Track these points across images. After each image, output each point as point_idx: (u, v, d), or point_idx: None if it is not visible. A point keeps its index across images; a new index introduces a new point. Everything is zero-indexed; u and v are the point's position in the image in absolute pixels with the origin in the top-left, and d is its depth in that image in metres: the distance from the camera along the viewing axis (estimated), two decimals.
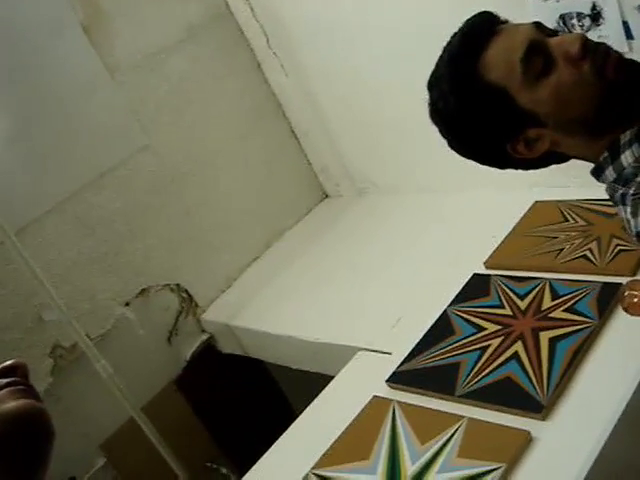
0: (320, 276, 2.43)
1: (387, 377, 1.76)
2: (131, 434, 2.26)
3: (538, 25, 1.24)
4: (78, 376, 2.26)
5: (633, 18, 1.68)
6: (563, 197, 2.04)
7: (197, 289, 2.57)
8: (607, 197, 1.85)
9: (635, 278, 1.64)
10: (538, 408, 1.46)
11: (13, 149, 2.18)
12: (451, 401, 1.60)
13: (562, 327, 1.62)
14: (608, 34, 1.72)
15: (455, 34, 1.25)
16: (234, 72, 2.67)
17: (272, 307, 2.40)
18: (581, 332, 1.58)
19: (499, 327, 1.72)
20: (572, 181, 2.06)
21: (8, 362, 0.79)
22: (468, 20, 1.26)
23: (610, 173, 1.21)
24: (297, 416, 1.89)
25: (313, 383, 1.99)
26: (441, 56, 1.27)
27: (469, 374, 1.63)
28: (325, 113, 2.68)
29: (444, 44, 1.26)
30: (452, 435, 1.50)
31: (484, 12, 1.27)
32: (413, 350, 1.79)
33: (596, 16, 1.73)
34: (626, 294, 1.39)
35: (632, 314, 1.39)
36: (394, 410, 1.65)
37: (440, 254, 2.15)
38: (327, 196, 2.92)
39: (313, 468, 1.62)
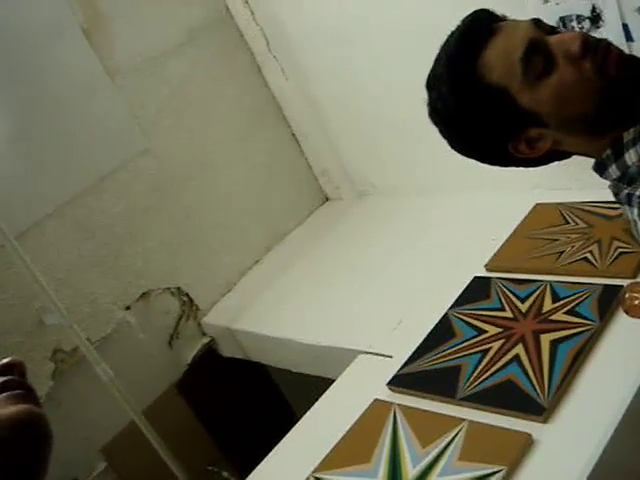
0: (321, 279, 2.43)
1: (388, 380, 1.75)
2: (132, 438, 2.25)
3: (537, 22, 1.23)
4: (79, 380, 2.26)
5: (633, 20, 1.68)
6: (564, 199, 2.04)
7: (198, 292, 2.57)
8: (608, 200, 1.85)
9: (636, 280, 1.64)
10: (539, 411, 1.45)
11: (13, 152, 2.18)
12: (452, 404, 1.59)
13: (563, 329, 1.62)
14: (608, 36, 1.71)
15: (452, 33, 1.24)
16: (234, 75, 2.68)
17: (273, 310, 2.40)
18: (582, 334, 1.58)
19: (500, 330, 1.72)
20: (573, 183, 2.06)
21: (4, 360, 0.78)
22: (465, 18, 1.25)
23: (614, 171, 1.21)
24: (298, 419, 1.89)
25: (314, 386, 1.99)
26: (439, 56, 1.26)
27: (470, 377, 1.63)
28: (325, 116, 2.68)
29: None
30: (453, 438, 1.50)
31: (481, 10, 1.26)
32: (414, 353, 1.79)
33: (596, 18, 1.73)
34: (627, 296, 1.39)
35: (633, 316, 1.39)
36: (395, 413, 1.65)
37: (440, 256, 2.15)
38: (327, 199, 2.92)
39: (314, 471, 1.61)
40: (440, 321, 1.85)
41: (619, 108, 1.18)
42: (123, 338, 2.39)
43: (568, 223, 1.96)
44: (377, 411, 1.69)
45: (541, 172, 2.01)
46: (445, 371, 1.69)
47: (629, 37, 1.70)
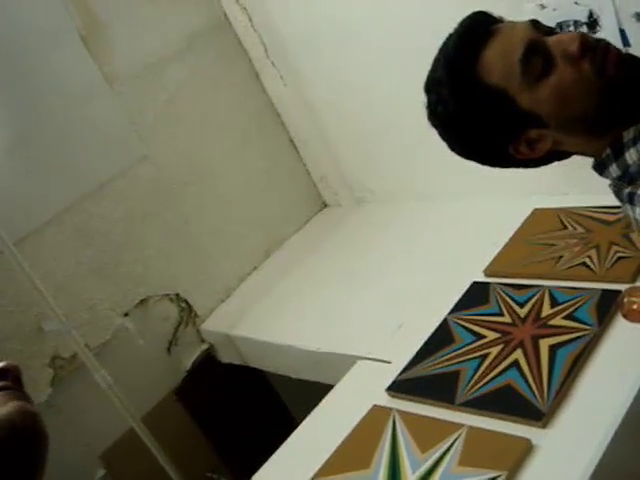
0: (320, 285, 2.43)
1: (387, 386, 1.75)
2: (131, 444, 2.25)
3: (535, 23, 1.23)
4: (78, 386, 2.26)
5: (630, 26, 1.69)
6: (562, 204, 2.05)
7: (196, 299, 2.57)
8: (606, 205, 1.86)
9: (634, 285, 1.64)
10: (538, 416, 1.45)
11: (12, 159, 2.18)
12: (451, 409, 1.59)
13: (562, 334, 1.62)
14: None
15: (451, 35, 1.24)
16: (232, 82, 2.68)
17: (272, 317, 2.40)
18: (581, 339, 1.58)
19: (499, 335, 1.72)
20: (571, 188, 2.07)
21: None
22: (463, 21, 1.25)
23: (614, 170, 1.21)
24: (297, 425, 1.89)
25: (313, 392, 1.99)
26: (437, 58, 1.26)
27: (469, 382, 1.63)
28: (323, 122, 2.69)
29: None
30: (452, 443, 1.50)
31: (479, 12, 1.27)
32: (413, 359, 1.79)
33: (593, 24, 1.73)
34: (625, 301, 1.39)
35: (632, 321, 1.39)
36: (394, 419, 1.64)
37: (439, 262, 2.15)
38: (326, 205, 2.92)
39: (313, 477, 1.61)
40: (439, 326, 1.85)
41: (618, 108, 1.18)
42: (122, 344, 2.39)
43: (566, 228, 1.96)
44: (376, 417, 1.69)
45: (539, 177, 2.02)
46: (444, 376, 1.68)
47: (626, 42, 1.71)
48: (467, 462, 1.44)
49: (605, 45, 1.18)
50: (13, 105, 2.20)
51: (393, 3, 2.16)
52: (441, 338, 1.81)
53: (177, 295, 2.53)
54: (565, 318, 1.66)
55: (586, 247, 1.85)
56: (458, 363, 1.70)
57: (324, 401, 1.91)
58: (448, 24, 1.26)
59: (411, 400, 1.69)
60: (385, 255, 2.38)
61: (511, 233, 2.05)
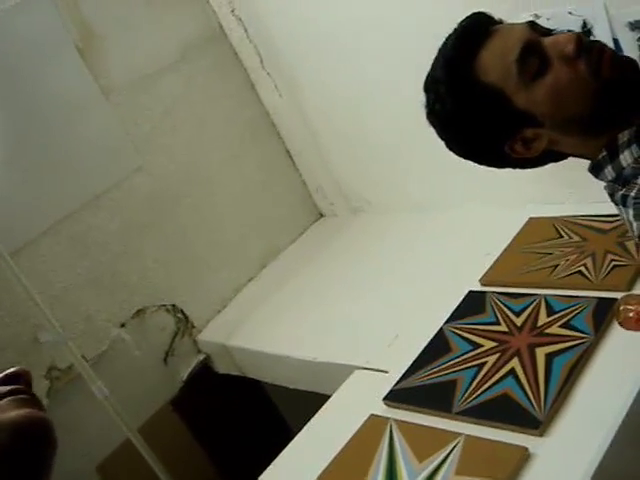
0: (316, 295, 2.43)
1: (384, 395, 1.75)
2: (127, 455, 2.24)
3: (533, 24, 1.25)
4: (74, 398, 2.25)
5: (623, 35, 1.70)
6: (558, 213, 2.05)
7: (193, 309, 2.57)
8: (601, 213, 1.87)
9: (630, 293, 1.65)
10: (535, 424, 1.45)
11: (8, 170, 2.19)
12: (448, 418, 1.59)
13: (558, 343, 1.62)
14: None
15: (450, 36, 1.26)
16: (228, 92, 2.68)
17: (268, 327, 2.40)
18: (577, 347, 1.58)
19: (495, 344, 1.72)
20: (566, 197, 2.07)
21: (11, 369, 0.78)
22: (462, 21, 1.27)
23: (609, 172, 1.22)
24: (294, 436, 1.89)
25: (310, 402, 1.99)
26: (436, 58, 1.28)
27: (466, 391, 1.63)
28: (319, 133, 2.69)
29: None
30: (450, 452, 1.50)
31: (478, 13, 1.28)
32: (410, 368, 1.79)
33: (587, 33, 1.74)
34: (621, 309, 1.40)
35: (628, 329, 1.39)
36: (391, 428, 1.64)
37: (435, 271, 2.15)
38: (322, 215, 2.93)
39: None
40: (435, 336, 1.85)
41: (614, 109, 1.19)
42: (118, 355, 2.38)
43: (562, 237, 1.97)
44: (373, 426, 1.69)
45: (534, 186, 2.03)
46: (441, 385, 1.68)
47: (620, 51, 1.72)
48: (464, 471, 1.44)
49: (601, 46, 1.20)
50: (10, 116, 2.20)
51: (388, 16, 2.17)
52: (438, 347, 1.81)
53: (173, 306, 2.52)
54: (561, 326, 1.67)
55: (582, 255, 1.85)
56: (455, 372, 1.70)
57: (321, 411, 1.91)
58: (443, 38, 1.28)
59: (408, 409, 1.69)
60: (381, 265, 2.38)
61: (507, 242, 2.05)
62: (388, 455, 1.57)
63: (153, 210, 2.48)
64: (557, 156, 1.32)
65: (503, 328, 1.76)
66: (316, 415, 1.90)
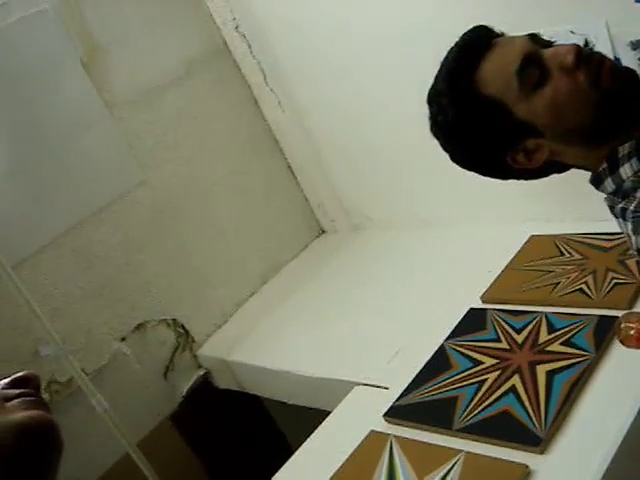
0: (317, 311, 2.43)
1: (384, 412, 1.75)
2: (126, 470, 2.23)
3: (533, 36, 1.26)
4: (73, 411, 2.24)
5: (625, 54, 1.70)
6: (559, 231, 2.06)
7: (193, 324, 2.57)
8: (602, 231, 1.87)
9: (631, 311, 1.65)
10: (536, 441, 1.45)
11: (11, 183, 2.19)
12: (449, 435, 1.59)
13: (559, 360, 1.62)
14: None
15: (452, 48, 1.28)
16: (231, 108, 2.69)
17: (268, 342, 2.39)
18: (578, 365, 1.58)
19: (496, 361, 1.72)
20: (568, 215, 2.08)
21: (20, 373, 0.78)
22: (464, 34, 1.28)
23: (609, 184, 1.23)
24: (294, 452, 1.88)
25: (310, 418, 1.98)
26: (439, 70, 1.29)
27: (466, 408, 1.62)
28: (321, 149, 2.70)
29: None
30: (450, 469, 1.49)
31: (479, 26, 1.29)
32: (410, 384, 1.79)
33: None
34: (622, 327, 1.40)
35: (629, 347, 1.39)
36: (391, 445, 1.64)
37: (436, 288, 2.15)
38: (323, 231, 2.93)
39: None
40: (436, 352, 1.85)
41: (614, 119, 1.20)
42: (118, 369, 2.38)
43: (563, 255, 1.97)
44: (373, 443, 1.68)
45: (536, 204, 2.03)
46: (441, 402, 1.68)
47: None
48: None
49: (600, 57, 1.21)
50: (14, 129, 2.21)
51: (391, 33, 2.18)
52: (438, 364, 1.81)
53: (174, 320, 2.52)
54: (562, 344, 1.67)
55: (583, 273, 1.86)
56: (455, 389, 1.70)
57: (321, 427, 1.91)
58: (444, 52, 1.29)
59: (408, 426, 1.68)
60: (382, 281, 2.38)
61: (508, 259, 2.06)
62: (388, 471, 1.57)
63: (155, 224, 2.49)
64: (559, 167, 1.32)
65: (504, 345, 1.76)
66: (316, 431, 1.90)
